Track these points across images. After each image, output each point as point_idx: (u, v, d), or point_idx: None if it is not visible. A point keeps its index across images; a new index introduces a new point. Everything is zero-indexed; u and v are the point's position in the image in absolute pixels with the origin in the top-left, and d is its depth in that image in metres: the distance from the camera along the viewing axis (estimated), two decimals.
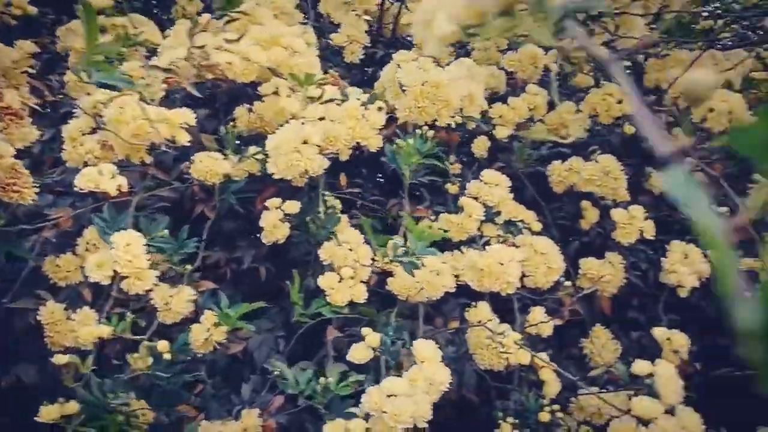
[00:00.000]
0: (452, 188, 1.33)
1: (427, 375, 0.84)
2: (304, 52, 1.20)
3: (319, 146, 1.02)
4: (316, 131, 1.01)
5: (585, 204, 1.45)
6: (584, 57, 1.41)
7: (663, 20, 1.21)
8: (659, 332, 1.07)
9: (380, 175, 1.65)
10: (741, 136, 0.21)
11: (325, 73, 1.51)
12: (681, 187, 0.21)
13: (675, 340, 1.05)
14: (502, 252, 1.04)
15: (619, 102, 1.37)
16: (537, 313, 1.22)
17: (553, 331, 1.46)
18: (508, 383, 1.25)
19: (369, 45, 1.75)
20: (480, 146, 1.43)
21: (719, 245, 0.20)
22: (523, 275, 1.24)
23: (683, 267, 1.22)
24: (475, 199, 1.23)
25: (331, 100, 1.08)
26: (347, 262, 1.07)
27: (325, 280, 1.04)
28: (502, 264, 1.03)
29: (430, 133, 1.10)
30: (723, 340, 1.45)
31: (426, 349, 0.88)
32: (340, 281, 1.04)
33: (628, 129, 1.44)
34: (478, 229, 1.27)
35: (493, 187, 1.24)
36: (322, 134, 1.02)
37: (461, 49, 1.85)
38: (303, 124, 1.05)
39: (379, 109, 1.11)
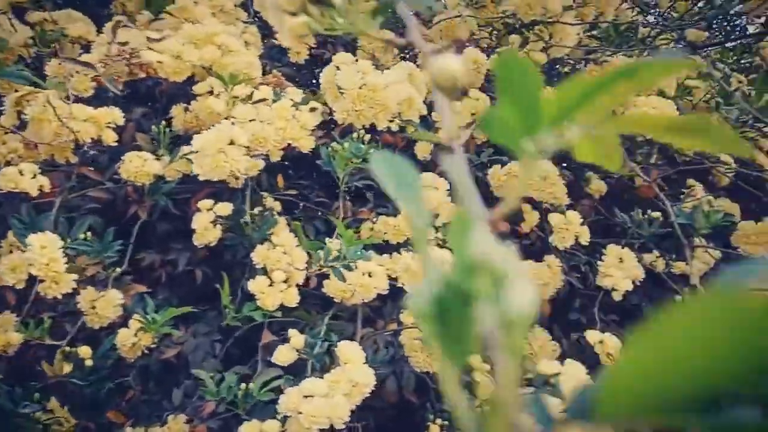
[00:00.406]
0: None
1: (350, 377, 0.83)
2: (239, 51, 1.18)
3: (247, 147, 1.00)
4: (243, 132, 0.99)
5: (525, 207, 1.47)
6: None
7: (598, 28, 1.23)
8: (591, 335, 1.09)
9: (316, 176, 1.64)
10: (489, 123, 0.21)
11: (265, 73, 1.50)
12: (389, 170, 0.21)
13: (607, 342, 1.06)
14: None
15: None
16: None
17: None
18: None
19: (316, 46, 1.74)
20: (422, 150, 1.43)
21: (420, 237, 0.19)
22: None
23: (618, 271, 1.24)
24: None
25: (261, 100, 1.06)
26: (281, 266, 1.06)
27: (255, 285, 1.02)
28: None
29: (367, 137, 1.09)
30: None
31: (349, 351, 0.87)
32: (270, 285, 1.03)
33: None
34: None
35: (432, 190, 1.25)
36: (249, 135, 1.00)
37: (409, 53, 1.86)
38: (233, 124, 1.03)
39: (312, 110, 1.10)
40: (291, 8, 0.29)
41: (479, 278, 0.15)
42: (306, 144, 1.05)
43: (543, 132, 0.21)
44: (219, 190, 1.30)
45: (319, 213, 1.52)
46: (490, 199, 1.56)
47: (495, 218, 0.20)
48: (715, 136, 0.22)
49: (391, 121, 1.17)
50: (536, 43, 1.11)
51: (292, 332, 0.93)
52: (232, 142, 0.99)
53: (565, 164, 1.70)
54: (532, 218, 1.46)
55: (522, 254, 1.48)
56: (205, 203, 1.12)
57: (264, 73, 1.56)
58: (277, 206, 1.33)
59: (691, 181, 1.55)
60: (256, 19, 1.60)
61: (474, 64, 1.48)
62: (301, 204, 1.44)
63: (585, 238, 1.34)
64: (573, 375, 0.79)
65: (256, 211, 1.14)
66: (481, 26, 1.48)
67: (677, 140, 0.23)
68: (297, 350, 0.90)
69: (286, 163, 1.57)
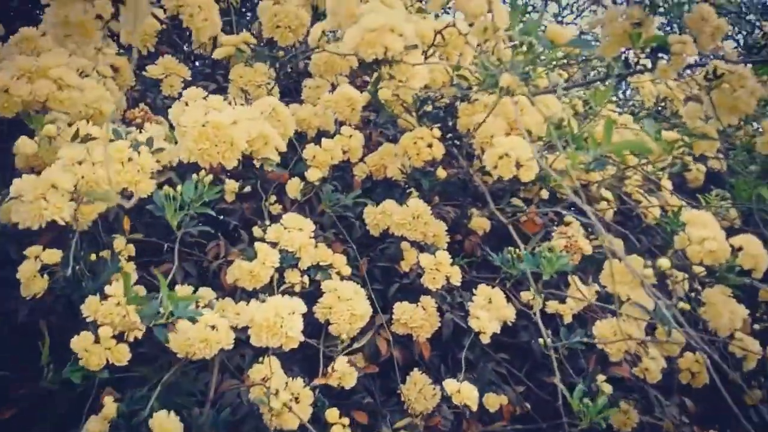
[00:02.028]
0: (258, 231, 1.26)
1: None
2: (79, 85, 1.09)
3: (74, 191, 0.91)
4: (66, 176, 0.91)
5: (404, 245, 1.43)
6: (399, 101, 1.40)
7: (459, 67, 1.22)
8: (449, 385, 1.05)
9: None
10: None
11: (130, 108, 1.41)
12: None
13: (464, 392, 1.03)
14: (282, 304, 0.97)
15: (429, 146, 1.37)
16: (340, 364, 1.17)
17: (378, 375, 1.42)
18: None
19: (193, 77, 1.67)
20: (292, 188, 1.38)
21: None
22: (328, 323, 1.19)
23: (485, 312, 1.22)
24: (275, 244, 1.17)
25: (92, 139, 0.98)
26: (113, 319, 0.96)
27: (78, 341, 0.93)
28: (281, 317, 0.96)
29: (208, 178, 1.03)
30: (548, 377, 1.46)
31: (165, 422, 0.79)
32: (96, 342, 0.93)
33: (441, 173, 1.44)
34: (282, 275, 1.21)
35: (295, 231, 1.19)
36: (75, 179, 0.92)
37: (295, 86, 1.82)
38: (61, 166, 0.94)
39: (156, 150, 1.02)
40: None
41: None
42: (144, 188, 0.97)
43: None
44: (65, 233, 1.19)
45: (187, 255, 1.44)
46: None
47: None
48: None
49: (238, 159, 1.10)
50: (388, 81, 1.08)
51: (107, 399, 0.84)
52: (54, 187, 0.90)
53: (453, 201, 1.70)
54: (410, 256, 1.43)
55: (400, 294, 1.44)
56: (32, 250, 1.02)
57: (136, 106, 1.48)
58: (130, 250, 1.24)
59: (568, 218, 1.56)
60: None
61: (347, 101, 1.45)
62: (165, 246, 1.35)
63: (456, 278, 1.32)
64: None
65: (93, 257, 1.05)
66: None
67: None
68: (109, 421, 0.81)
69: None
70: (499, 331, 1.23)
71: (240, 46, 1.43)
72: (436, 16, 1.52)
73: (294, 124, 1.31)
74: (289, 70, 1.68)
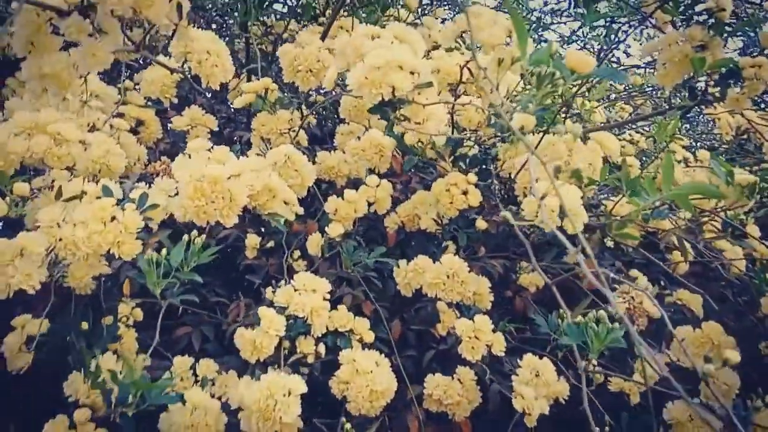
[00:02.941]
0: (270, 293, 1.14)
1: None
2: (82, 140, 1.03)
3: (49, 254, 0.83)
4: (38, 240, 0.82)
5: (441, 305, 1.27)
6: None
7: None
8: None
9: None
10: None
11: (146, 163, 1.36)
12: None
13: None
14: (277, 383, 0.84)
15: (464, 193, 1.22)
16: None
17: None
18: None
19: (222, 126, 1.62)
20: (313, 244, 1.26)
21: None
22: (345, 400, 1.04)
23: (530, 389, 1.03)
24: (283, 309, 1.05)
25: (71, 199, 0.90)
26: (93, 400, 0.86)
27: (51, 427, 0.82)
28: (274, 399, 0.82)
29: (200, 239, 0.92)
30: None
31: None
32: (72, 428, 0.83)
33: (480, 224, 1.28)
34: (293, 343, 1.08)
35: (307, 293, 1.06)
36: (49, 242, 0.83)
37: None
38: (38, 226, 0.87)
39: (146, 210, 0.93)
40: None
41: None
42: (128, 250, 0.88)
43: None
44: (63, 298, 1.12)
45: (207, 316, 1.34)
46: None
47: None
48: None
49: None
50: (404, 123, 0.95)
51: None
52: (23, 252, 0.82)
53: (501, 253, 1.52)
54: (448, 318, 1.26)
55: (436, 362, 1.27)
56: (18, 320, 0.95)
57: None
58: (137, 315, 1.15)
59: (634, 272, 1.35)
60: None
61: (376, 148, 1.33)
62: (180, 309, 1.26)
63: (498, 347, 1.13)
64: None
65: (85, 325, 0.96)
66: None
67: None
68: None
69: None
70: (547, 412, 1.04)
71: (261, 93, 1.35)
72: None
73: (313, 173, 1.19)
74: (321, 114, 1.59)
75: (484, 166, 1.35)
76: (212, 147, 1.05)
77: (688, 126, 2.37)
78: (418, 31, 1.09)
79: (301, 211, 1.32)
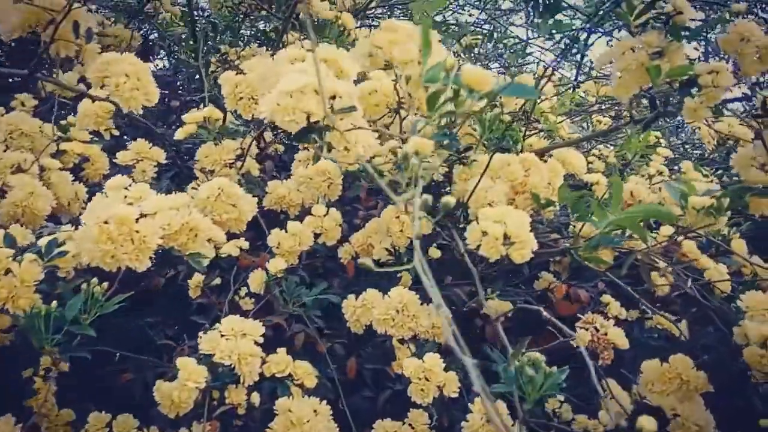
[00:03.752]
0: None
1: None
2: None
3: None
4: None
5: (396, 342, 1.19)
6: None
7: None
8: None
9: None
10: None
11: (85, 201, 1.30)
12: None
13: None
14: None
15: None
16: None
17: None
18: None
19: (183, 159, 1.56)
20: (255, 282, 1.18)
21: None
22: None
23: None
24: (210, 356, 0.97)
25: None
26: None
27: None
28: None
29: (102, 286, 0.85)
30: None
31: None
32: None
33: (434, 252, 1.19)
34: (222, 392, 1.00)
35: (235, 338, 0.98)
36: None
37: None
38: None
39: (52, 258, 0.86)
40: None
41: None
42: (24, 304, 0.81)
43: None
44: None
45: (150, 362, 1.26)
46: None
47: None
48: None
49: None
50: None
51: None
52: None
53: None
54: (404, 356, 1.17)
55: (391, 404, 1.18)
56: None
57: None
58: (63, 367, 1.08)
59: (606, 298, 1.25)
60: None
61: (323, 176, 1.26)
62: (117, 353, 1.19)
63: (451, 388, 1.04)
64: None
65: None
66: None
67: None
68: None
69: None
70: None
71: (205, 123, 1.29)
72: None
73: (253, 205, 1.12)
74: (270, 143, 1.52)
75: (445, 189, 1.27)
76: (131, 183, 0.98)
77: (680, 133, 2.27)
78: (352, 53, 1.03)
79: (246, 245, 1.26)
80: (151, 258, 0.85)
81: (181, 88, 1.99)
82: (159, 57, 2.15)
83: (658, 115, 1.06)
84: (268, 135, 1.57)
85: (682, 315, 1.35)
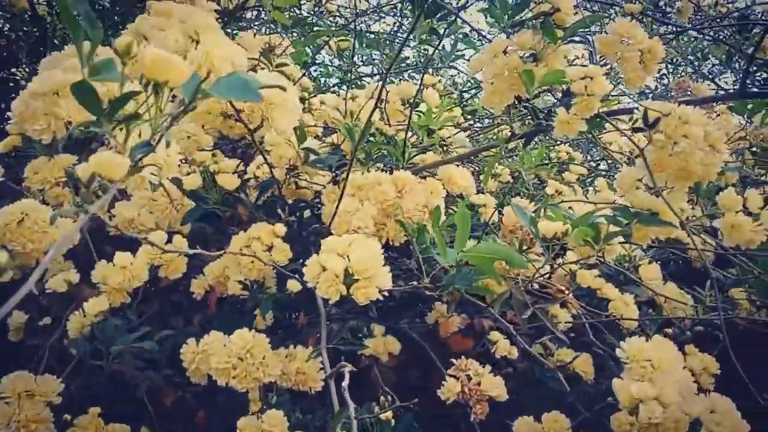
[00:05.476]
0: None
1: None
2: None
3: None
4: None
5: (251, 395, 1.01)
6: None
7: None
8: None
9: None
10: None
11: None
12: None
13: None
14: None
15: (269, 249, 0.97)
16: None
17: None
18: None
19: None
20: (74, 327, 0.99)
21: None
22: None
23: None
24: None
25: None
26: None
27: None
28: None
29: None
30: None
31: None
32: None
33: (292, 285, 1.03)
34: None
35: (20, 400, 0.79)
36: None
37: None
38: None
39: None
40: None
41: None
42: None
43: None
44: None
45: None
46: None
47: None
48: None
49: None
50: None
51: None
52: None
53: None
54: (256, 407, 1.00)
55: None
56: None
57: None
58: None
59: (495, 335, 1.10)
60: None
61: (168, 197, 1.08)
62: None
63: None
64: None
65: None
66: None
67: None
68: None
69: None
70: None
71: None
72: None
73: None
74: None
75: (309, 213, 1.11)
76: None
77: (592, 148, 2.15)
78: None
79: (76, 278, 1.08)
80: None
81: None
82: None
83: (539, 129, 0.92)
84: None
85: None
